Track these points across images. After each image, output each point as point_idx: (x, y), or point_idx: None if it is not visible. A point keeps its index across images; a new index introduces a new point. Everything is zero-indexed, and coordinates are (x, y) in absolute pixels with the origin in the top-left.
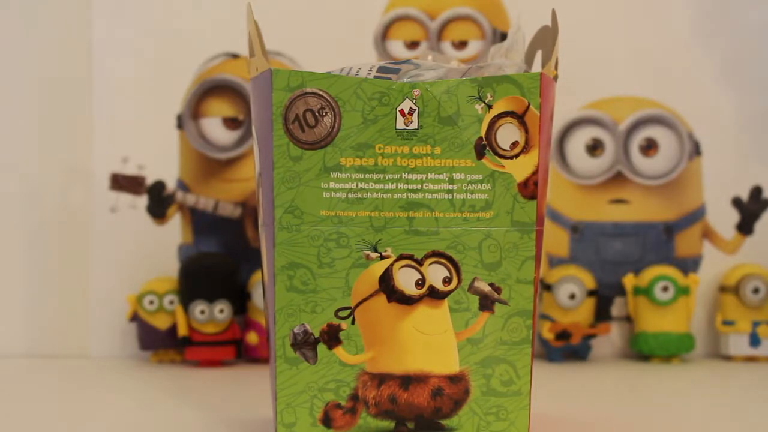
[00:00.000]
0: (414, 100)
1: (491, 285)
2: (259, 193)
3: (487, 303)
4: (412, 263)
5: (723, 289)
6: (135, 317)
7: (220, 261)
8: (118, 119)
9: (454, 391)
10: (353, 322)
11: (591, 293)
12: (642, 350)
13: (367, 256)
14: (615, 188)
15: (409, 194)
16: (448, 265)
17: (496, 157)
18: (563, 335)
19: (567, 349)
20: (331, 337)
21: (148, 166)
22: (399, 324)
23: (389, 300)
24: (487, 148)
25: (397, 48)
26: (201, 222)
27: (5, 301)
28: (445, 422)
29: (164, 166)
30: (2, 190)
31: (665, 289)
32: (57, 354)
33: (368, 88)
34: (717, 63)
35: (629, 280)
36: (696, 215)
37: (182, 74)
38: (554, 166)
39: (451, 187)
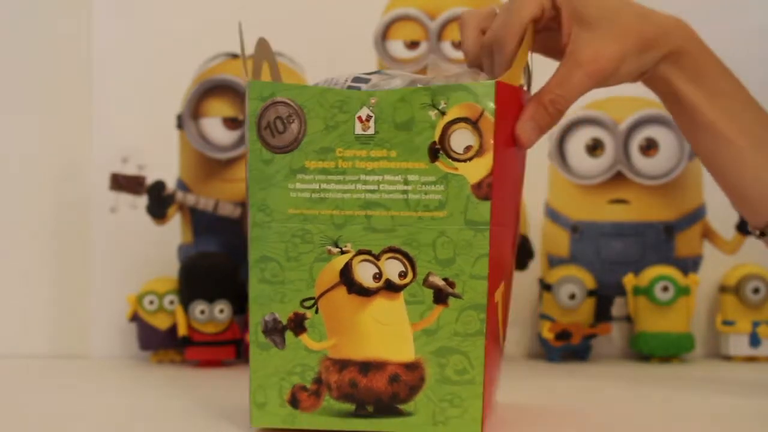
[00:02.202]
0: (371, 108)
1: (445, 280)
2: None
3: (441, 296)
4: (370, 258)
5: (723, 289)
6: (135, 317)
7: (220, 261)
8: (118, 119)
9: (410, 378)
10: (317, 312)
11: (591, 293)
12: (642, 350)
13: (329, 251)
14: (615, 188)
15: (367, 194)
16: (404, 260)
17: (450, 160)
18: (563, 335)
19: (567, 349)
20: (297, 325)
21: (148, 166)
22: (358, 314)
23: (349, 292)
24: (441, 151)
25: (397, 48)
26: (201, 222)
27: (5, 302)
28: (402, 407)
29: (164, 166)
30: (2, 190)
31: (665, 289)
32: (57, 354)
33: (330, 96)
34: None
35: (629, 280)
36: (696, 215)
37: (182, 74)
38: (554, 166)
39: (406, 188)
